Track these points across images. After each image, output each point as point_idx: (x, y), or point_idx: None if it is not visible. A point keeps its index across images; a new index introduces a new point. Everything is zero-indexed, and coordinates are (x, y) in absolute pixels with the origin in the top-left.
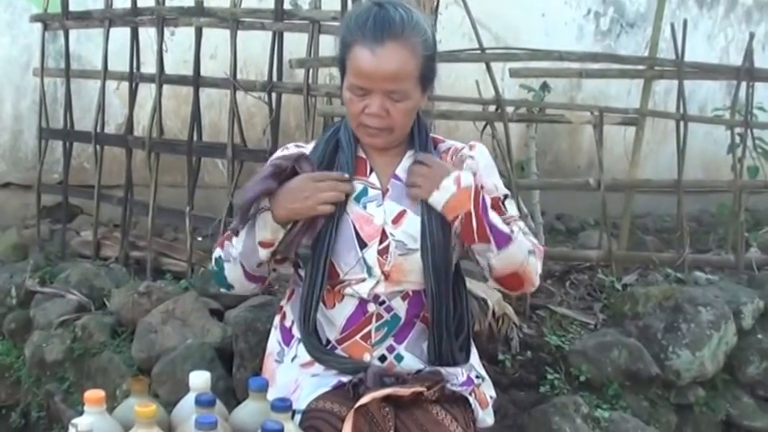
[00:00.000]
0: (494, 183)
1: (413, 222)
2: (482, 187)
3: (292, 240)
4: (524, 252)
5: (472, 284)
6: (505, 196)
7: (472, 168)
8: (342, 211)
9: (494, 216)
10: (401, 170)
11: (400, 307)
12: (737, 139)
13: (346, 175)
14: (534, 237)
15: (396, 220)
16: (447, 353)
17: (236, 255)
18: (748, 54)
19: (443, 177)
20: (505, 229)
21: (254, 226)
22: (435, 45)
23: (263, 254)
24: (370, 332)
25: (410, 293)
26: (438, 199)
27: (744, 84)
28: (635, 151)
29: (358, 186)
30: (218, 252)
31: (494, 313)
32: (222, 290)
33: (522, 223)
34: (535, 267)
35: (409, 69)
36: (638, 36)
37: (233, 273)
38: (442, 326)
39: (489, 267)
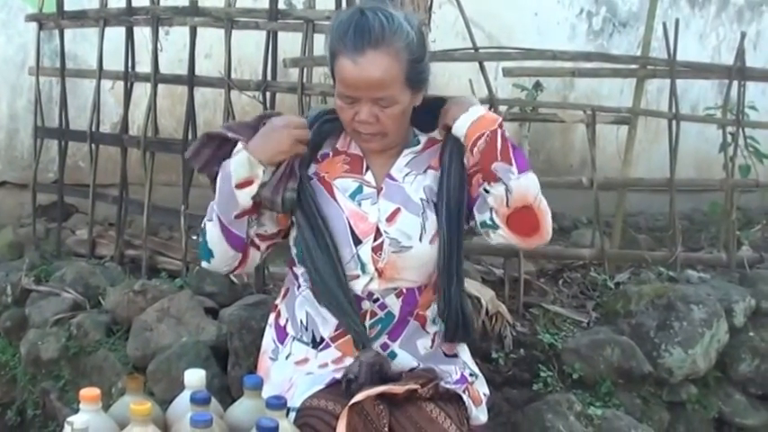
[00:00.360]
0: None
1: (407, 220)
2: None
3: (277, 184)
4: (538, 187)
5: (466, 283)
6: None
7: None
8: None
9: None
10: (396, 170)
11: (394, 304)
12: (729, 137)
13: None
14: None
15: (390, 219)
16: (456, 305)
17: (215, 207)
18: (740, 53)
19: (471, 105)
20: (525, 155)
21: (228, 175)
22: (424, 46)
23: (242, 197)
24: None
25: (404, 291)
26: (465, 121)
27: (735, 83)
28: (628, 150)
29: (353, 184)
30: (205, 219)
31: (487, 311)
32: (203, 264)
33: None
34: (548, 212)
35: (393, 75)
36: (630, 35)
37: (213, 234)
38: (453, 274)
39: (506, 195)
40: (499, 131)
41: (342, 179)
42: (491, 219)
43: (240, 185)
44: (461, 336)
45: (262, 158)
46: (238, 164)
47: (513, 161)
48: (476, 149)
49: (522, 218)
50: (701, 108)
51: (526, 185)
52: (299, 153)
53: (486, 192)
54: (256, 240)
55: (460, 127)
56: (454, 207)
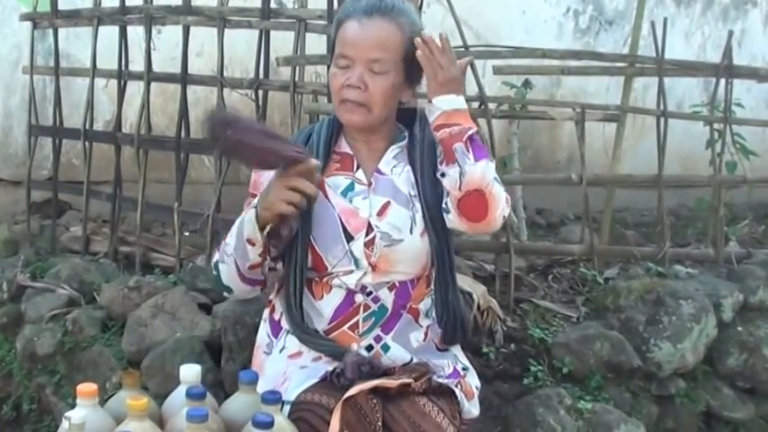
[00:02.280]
0: None
1: (397, 213)
2: None
3: (280, 236)
4: (492, 174)
5: (458, 278)
6: None
7: None
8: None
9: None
10: (384, 164)
11: (387, 298)
12: (716, 134)
13: (314, 161)
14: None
15: (381, 212)
16: (453, 302)
17: (230, 252)
18: (727, 51)
19: (462, 88)
20: (485, 147)
21: (242, 225)
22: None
23: (252, 253)
24: (357, 322)
25: (397, 284)
26: (450, 103)
27: (722, 80)
28: (616, 147)
29: (345, 182)
30: (215, 256)
31: (479, 307)
32: (225, 294)
33: None
34: (500, 198)
35: (393, 42)
36: (616, 34)
37: (228, 273)
38: (449, 280)
39: (460, 178)
40: (472, 130)
41: (333, 177)
42: (445, 203)
43: (248, 241)
44: (459, 337)
45: (261, 219)
46: (249, 220)
47: (472, 150)
48: (447, 130)
49: (472, 202)
50: (687, 105)
51: (481, 170)
52: (287, 212)
53: (443, 176)
54: (272, 264)
55: (443, 102)
56: (433, 206)
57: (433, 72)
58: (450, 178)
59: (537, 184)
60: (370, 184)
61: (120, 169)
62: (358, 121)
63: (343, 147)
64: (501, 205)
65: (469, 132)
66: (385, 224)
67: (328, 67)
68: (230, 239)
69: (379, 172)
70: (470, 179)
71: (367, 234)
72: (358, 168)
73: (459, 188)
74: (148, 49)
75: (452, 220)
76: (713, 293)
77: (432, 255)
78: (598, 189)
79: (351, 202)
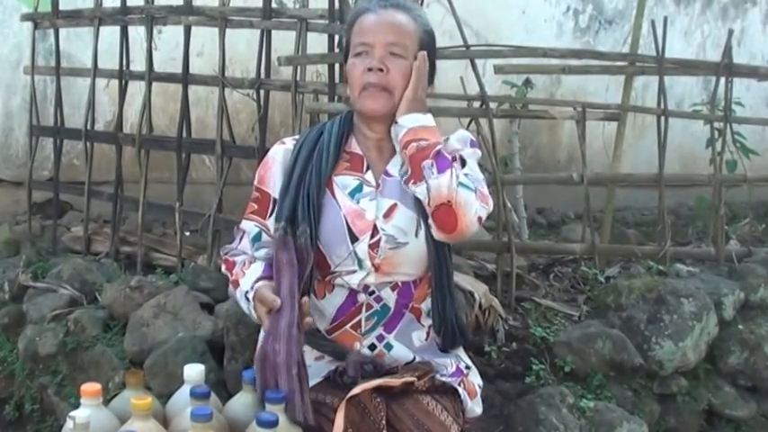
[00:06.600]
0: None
1: (403, 216)
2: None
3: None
4: (455, 183)
5: (459, 277)
6: (462, 159)
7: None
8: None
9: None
10: (392, 166)
11: (390, 297)
12: (716, 133)
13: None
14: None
15: (387, 215)
16: (451, 315)
17: (241, 306)
18: (727, 50)
19: (428, 111)
20: (449, 157)
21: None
22: (433, 32)
23: None
24: (360, 321)
25: (399, 284)
26: (416, 120)
27: (722, 79)
28: (617, 146)
29: (353, 182)
30: (230, 288)
31: (480, 306)
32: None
33: (477, 178)
34: (468, 203)
35: (409, 29)
36: (616, 33)
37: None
38: (445, 287)
39: (428, 193)
40: (440, 146)
41: (342, 176)
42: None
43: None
44: (459, 344)
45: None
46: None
47: (436, 165)
48: (414, 144)
49: (442, 216)
50: (687, 104)
51: (446, 182)
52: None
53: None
54: None
55: (410, 120)
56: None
57: (416, 87)
58: (421, 196)
59: (538, 183)
60: (378, 186)
61: (121, 169)
62: (381, 108)
63: (354, 147)
64: (471, 210)
65: (437, 148)
66: (391, 227)
67: (329, 66)
68: (243, 306)
69: (387, 174)
70: (436, 194)
71: (372, 236)
72: (368, 169)
73: (429, 204)
74: (149, 49)
75: (434, 233)
76: (714, 292)
77: (430, 261)
78: (599, 188)
79: (358, 203)
